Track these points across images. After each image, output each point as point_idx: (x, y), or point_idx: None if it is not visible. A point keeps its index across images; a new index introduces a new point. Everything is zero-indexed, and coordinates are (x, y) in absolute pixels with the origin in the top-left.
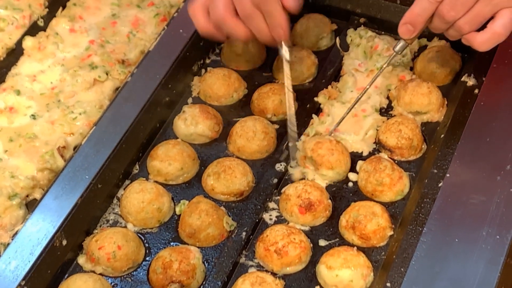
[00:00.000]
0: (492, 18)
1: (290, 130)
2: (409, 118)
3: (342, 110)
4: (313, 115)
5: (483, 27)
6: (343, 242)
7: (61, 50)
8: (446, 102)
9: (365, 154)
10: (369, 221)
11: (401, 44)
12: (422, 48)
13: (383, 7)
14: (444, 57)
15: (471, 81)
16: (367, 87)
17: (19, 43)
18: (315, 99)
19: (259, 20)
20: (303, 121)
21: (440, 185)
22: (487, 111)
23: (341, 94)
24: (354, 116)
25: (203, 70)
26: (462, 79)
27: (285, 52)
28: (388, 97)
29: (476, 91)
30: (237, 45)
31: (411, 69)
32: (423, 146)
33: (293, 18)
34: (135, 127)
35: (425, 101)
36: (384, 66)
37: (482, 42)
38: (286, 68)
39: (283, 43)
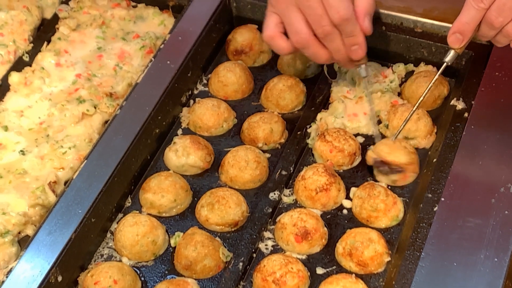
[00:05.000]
0: None
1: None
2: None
3: None
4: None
5: None
6: (341, 269)
7: (48, 85)
8: (435, 130)
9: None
10: (366, 247)
11: (451, 54)
12: (409, 74)
13: None
14: None
15: (460, 105)
16: (427, 90)
17: (5, 79)
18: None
19: (339, 40)
20: (293, 149)
21: (435, 209)
22: (478, 134)
23: (332, 121)
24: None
25: (191, 101)
26: (451, 103)
27: (364, 70)
28: (377, 122)
29: (466, 114)
30: (225, 75)
31: (399, 94)
32: None
33: None
34: (126, 160)
35: (412, 127)
36: (435, 77)
37: None
38: (366, 84)
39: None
